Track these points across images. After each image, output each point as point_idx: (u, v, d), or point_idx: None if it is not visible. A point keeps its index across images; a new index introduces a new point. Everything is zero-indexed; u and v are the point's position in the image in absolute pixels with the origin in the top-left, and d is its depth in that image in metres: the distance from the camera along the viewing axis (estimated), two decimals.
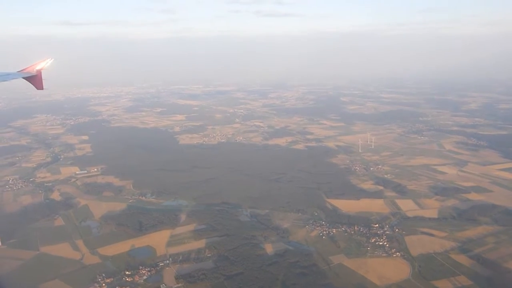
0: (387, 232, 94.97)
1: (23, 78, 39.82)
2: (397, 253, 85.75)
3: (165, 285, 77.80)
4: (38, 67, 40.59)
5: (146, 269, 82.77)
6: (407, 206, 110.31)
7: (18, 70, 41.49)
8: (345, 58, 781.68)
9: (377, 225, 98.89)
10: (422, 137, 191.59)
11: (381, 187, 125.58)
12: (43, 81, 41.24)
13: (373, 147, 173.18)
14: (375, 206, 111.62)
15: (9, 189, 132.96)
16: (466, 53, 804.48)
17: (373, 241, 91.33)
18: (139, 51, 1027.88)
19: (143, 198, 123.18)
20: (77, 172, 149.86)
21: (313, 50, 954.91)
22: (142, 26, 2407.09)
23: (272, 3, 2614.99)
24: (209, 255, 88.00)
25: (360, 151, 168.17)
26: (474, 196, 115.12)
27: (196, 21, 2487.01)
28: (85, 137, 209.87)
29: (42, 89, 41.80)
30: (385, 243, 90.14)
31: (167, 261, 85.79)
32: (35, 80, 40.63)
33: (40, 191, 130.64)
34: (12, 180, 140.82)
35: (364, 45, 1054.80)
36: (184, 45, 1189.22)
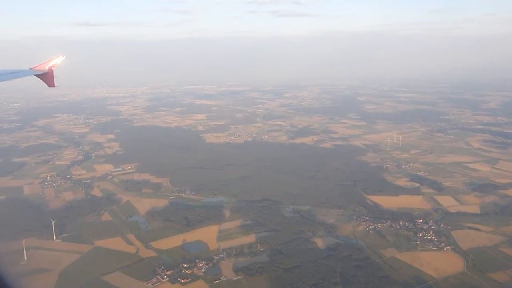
0: (432, 227, 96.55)
1: (34, 75, 39.09)
2: (447, 247, 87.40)
3: (225, 277, 79.80)
4: (49, 65, 40.31)
5: (203, 262, 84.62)
6: (447, 202, 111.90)
7: (30, 67, 41.06)
8: (356, 58, 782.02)
9: (421, 220, 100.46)
10: (447, 136, 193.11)
11: (417, 184, 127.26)
12: (54, 78, 40.57)
13: (400, 145, 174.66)
14: (415, 202, 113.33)
15: (49, 185, 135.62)
16: (479, 52, 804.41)
17: (420, 235, 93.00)
18: (152, 52, 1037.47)
19: (183, 194, 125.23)
20: (111, 170, 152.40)
21: (325, 51, 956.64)
22: (158, 27, 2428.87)
23: (290, 3, 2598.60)
24: (262, 249, 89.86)
25: (388, 149, 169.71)
26: None
27: (211, 21, 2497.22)
28: (111, 136, 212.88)
29: (54, 86, 40.86)
30: (433, 237, 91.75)
31: (222, 255, 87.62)
32: (46, 77, 40.07)
33: (80, 188, 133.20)
34: (50, 177, 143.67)
35: (376, 45, 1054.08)
36: (197, 45, 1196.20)
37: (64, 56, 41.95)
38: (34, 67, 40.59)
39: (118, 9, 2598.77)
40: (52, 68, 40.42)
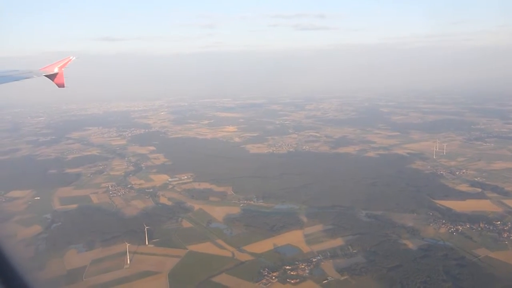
0: None
1: (44, 75, 39.63)
2: None
3: (332, 277, 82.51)
4: (60, 65, 41.00)
5: (304, 264, 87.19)
6: None
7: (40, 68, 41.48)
8: (369, 70, 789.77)
9: (499, 222, 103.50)
10: (487, 144, 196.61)
11: (479, 189, 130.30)
12: (64, 79, 40.95)
13: (445, 153, 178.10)
14: (485, 205, 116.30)
15: (115, 195, 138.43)
16: (492, 63, 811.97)
17: (505, 236, 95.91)
18: (167, 66, 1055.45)
19: (252, 202, 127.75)
20: (169, 179, 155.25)
21: (338, 63, 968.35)
22: (177, 41, 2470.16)
23: (314, 16, 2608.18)
24: (355, 251, 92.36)
25: (434, 157, 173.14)
26: None
27: (231, 35, 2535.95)
28: (151, 148, 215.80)
29: (64, 87, 40.83)
30: None
31: (318, 257, 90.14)
32: (57, 78, 40.46)
33: (146, 196, 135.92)
34: (111, 186, 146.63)
35: (389, 57, 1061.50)
36: (213, 59, 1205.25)
37: (75, 57, 42.72)
38: (44, 68, 41.15)
39: (143, 24, 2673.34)
40: (63, 69, 41.17)
